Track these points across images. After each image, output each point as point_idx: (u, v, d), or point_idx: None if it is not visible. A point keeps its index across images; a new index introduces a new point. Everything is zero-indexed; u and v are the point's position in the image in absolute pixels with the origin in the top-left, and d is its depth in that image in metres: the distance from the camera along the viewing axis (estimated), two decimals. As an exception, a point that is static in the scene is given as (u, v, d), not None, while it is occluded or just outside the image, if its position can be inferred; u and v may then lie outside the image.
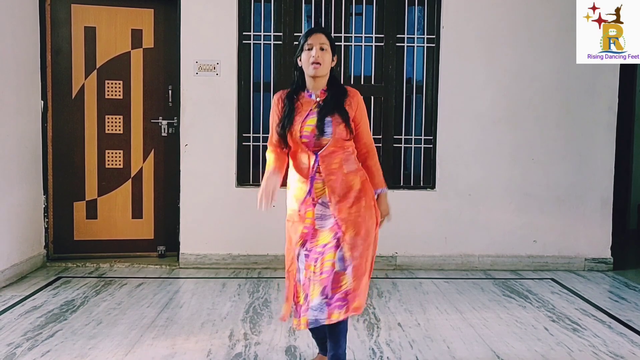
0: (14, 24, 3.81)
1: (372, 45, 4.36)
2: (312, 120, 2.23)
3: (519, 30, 4.27)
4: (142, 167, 4.39)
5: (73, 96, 4.26)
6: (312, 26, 4.28)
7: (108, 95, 4.30)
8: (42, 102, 4.17)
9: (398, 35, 4.34)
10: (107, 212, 4.35)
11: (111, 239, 4.37)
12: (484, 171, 4.31)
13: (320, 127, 2.21)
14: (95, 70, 4.27)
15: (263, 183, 2.22)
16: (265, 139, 4.33)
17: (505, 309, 3.38)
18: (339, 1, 4.30)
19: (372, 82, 4.36)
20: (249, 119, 4.34)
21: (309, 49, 2.23)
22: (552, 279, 4.08)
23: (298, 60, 2.30)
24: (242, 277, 4.00)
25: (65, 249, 4.31)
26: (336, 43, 4.25)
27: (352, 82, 4.36)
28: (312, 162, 2.23)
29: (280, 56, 4.29)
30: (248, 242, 4.24)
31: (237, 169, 4.29)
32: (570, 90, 4.31)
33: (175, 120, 4.31)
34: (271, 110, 2.34)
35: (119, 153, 4.35)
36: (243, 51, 4.28)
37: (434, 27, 4.32)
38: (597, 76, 4.28)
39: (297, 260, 2.26)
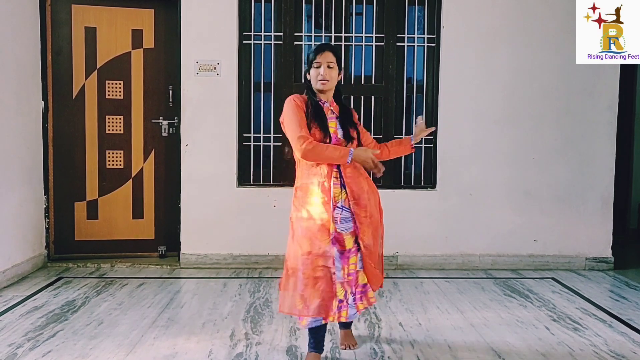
0: (15, 24, 3.81)
1: (372, 45, 4.36)
2: (333, 123, 2.47)
3: (519, 30, 4.27)
4: (142, 167, 4.39)
5: (74, 96, 4.26)
6: (312, 26, 4.30)
7: (108, 95, 4.31)
8: (43, 102, 4.17)
9: (398, 35, 4.34)
10: (107, 212, 4.36)
11: (112, 239, 4.38)
12: (485, 170, 4.31)
13: (345, 134, 2.46)
14: (96, 71, 4.27)
15: (364, 154, 2.37)
16: (265, 139, 4.35)
17: (506, 308, 3.38)
18: (339, 1, 4.31)
19: (373, 82, 4.36)
20: (249, 119, 4.34)
21: (317, 67, 2.43)
22: (553, 278, 4.08)
23: (307, 75, 2.49)
24: (243, 277, 4.00)
25: (66, 249, 4.31)
26: (336, 43, 4.30)
27: (352, 82, 4.36)
28: (333, 166, 2.42)
29: (280, 56, 4.29)
30: (249, 242, 4.25)
31: (238, 169, 4.29)
32: (570, 90, 4.31)
33: (176, 121, 4.31)
34: (292, 109, 2.42)
35: (120, 153, 4.35)
36: (243, 51, 4.28)
37: (434, 26, 4.32)
38: (597, 76, 4.29)
39: (333, 260, 2.38)
